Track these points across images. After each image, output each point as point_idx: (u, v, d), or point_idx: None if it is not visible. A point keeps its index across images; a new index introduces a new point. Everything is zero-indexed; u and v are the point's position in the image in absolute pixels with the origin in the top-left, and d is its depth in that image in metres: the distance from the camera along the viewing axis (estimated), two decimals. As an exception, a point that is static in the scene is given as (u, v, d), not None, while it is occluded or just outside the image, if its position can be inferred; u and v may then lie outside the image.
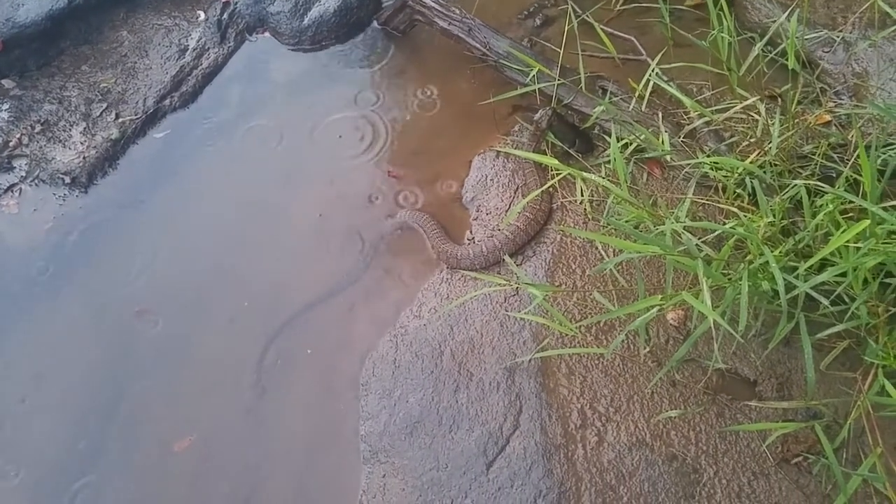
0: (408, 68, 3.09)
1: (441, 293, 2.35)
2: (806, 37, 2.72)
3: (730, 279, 1.76)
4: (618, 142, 2.42)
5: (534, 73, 2.48)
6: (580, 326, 2.13)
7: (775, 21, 2.86)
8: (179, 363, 2.32)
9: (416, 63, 3.10)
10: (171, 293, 2.45)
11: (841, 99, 2.74)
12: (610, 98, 2.58)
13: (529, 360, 2.08)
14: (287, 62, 3.24)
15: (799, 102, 2.33)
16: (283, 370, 2.29)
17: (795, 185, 1.89)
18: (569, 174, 2.02)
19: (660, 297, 1.58)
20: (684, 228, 1.77)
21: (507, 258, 2.28)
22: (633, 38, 2.89)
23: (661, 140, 2.41)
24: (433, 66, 3.06)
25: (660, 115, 2.55)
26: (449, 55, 3.01)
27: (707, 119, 2.28)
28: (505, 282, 2.08)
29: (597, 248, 2.33)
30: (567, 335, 2.09)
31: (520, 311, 2.20)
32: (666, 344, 2.10)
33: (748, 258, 1.93)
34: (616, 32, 2.90)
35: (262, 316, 2.41)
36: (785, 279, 1.68)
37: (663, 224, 1.97)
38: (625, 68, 2.84)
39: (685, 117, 2.61)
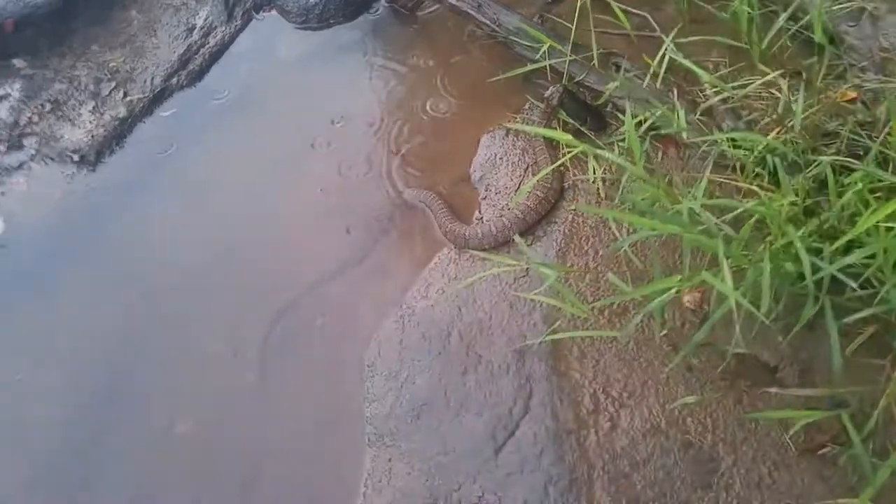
0: (416, 45, 3.01)
1: (449, 273, 2.29)
2: (832, 8, 2.60)
3: (750, 260, 1.68)
4: (632, 119, 2.35)
5: (544, 48, 2.39)
6: (593, 308, 2.05)
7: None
8: (183, 343, 2.28)
9: (425, 40, 3.02)
10: (177, 271, 2.41)
11: (867, 75, 2.63)
12: (623, 75, 2.49)
13: (540, 343, 2.02)
14: (294, 40, 3.18)
15: (823, 78, 2.23)
16: (288, 351, 2.24)
17: (821, 161, 1.80)
18: (581, 152, 1.93)
19: (677, 278, 1.50)
20: (702, 207, 1.68)
21: (516, 238, 2.21)
22: (646, 14, 2.78)
23: (676, 118, 2.33)
24: (442, 44, 2.98)
25: (675, 92, 2.46)
26: (458, 32, 2.94)
27: (725, 95, 2.18)
28: (515, 262, 2.01)
29: (609, 228, 2.25)
30: (579, 317, 2.02)
31: (530, 293, 2.13)
32: (682, 327, 2.02)
33: (769, 238, 1.85)
34: (628, 8, 2.79)
35: (267, 295, 2.36)
36: (810, 261, 1.60)
37: (680, 204, 1.90)
38: (638, 45, 2.74)
39: (701, 94, 2.51)
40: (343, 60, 3.02)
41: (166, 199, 2.61)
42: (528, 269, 2.20)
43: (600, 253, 2.21)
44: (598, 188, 2.34)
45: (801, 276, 1.70)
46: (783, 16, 2.16)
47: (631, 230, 2.09)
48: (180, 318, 2.32)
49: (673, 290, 1.54)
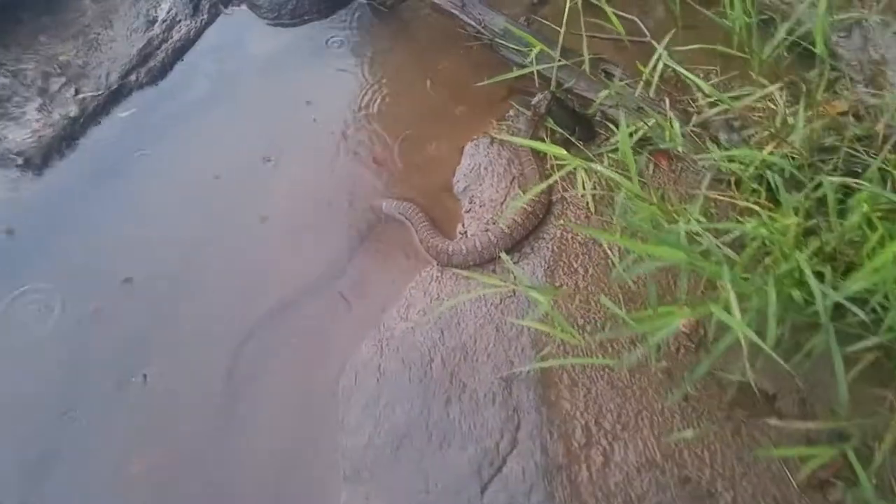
0: (395, 47, 2.86)
1: (430, 293, 2.15)
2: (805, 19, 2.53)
3: (755, 287, 1.58)
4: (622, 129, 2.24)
5: (535, 53, 2.26)
6: (584, 332, 1.94)
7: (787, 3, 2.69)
8: (136, 372, 2.09)
9: (404, 41, 2.87)
10: (127, 292, 2.22)
11: (857, 87, 2.57)
12: (614, 82, 2.37)
13: (528, 371, 1.89)
14: (265, 37, 3.00)
15: (822, 91, 2.14)
16: (255, 378, 2.07)
17: (830, 181, 1.70)
18: (559, 158, 1.81)
19: (684, 308, 1.39)
20: (703, 229, 1.58)
21: (503, 256, 2.08)
22: (635, 18, 2.68)
23: (670, 129, 2.23)
24: (422, 45, 2.83)
25: (667, 101, 2.36)
26: (440, 33, 2.79)
27: (725, 107, 2.08)
28: (502, 283, 1.88)
29: (600, 244, 2.14)
30: (570, 342, 1.90)
31: (518, 315, 2.00)
32: (677, 353, 1.92)
33: (768, 260, 1.76)
34: (617, 12, 2.68)
35: (233, 315, 2.19)
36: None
37: (676, 222, 1.79)
38: (627, 51, 2.64)
39: (693, 104, 2.42)
40: (317, 60, 2.85)
41: (121, 209, 2.41)
42: (514, 289, 2.08)
43: (590, 271, 2.10)
44: (587, 202, 2.22)
45: (806, 302, 1.62)
46: (784, 26, 2.06)
47: (625, 250, 1.97)
48: (131, 344, 2.13)
49: (677, 325, 1.42)
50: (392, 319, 2.12)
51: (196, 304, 2.20)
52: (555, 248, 2.16)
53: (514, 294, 2.07)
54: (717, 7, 2.37)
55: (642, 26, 2.59)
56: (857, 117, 2.33)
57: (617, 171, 1.80)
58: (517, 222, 2.17)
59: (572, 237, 2.17)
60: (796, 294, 1.56)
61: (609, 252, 2.09)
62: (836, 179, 1.71)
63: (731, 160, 2.09)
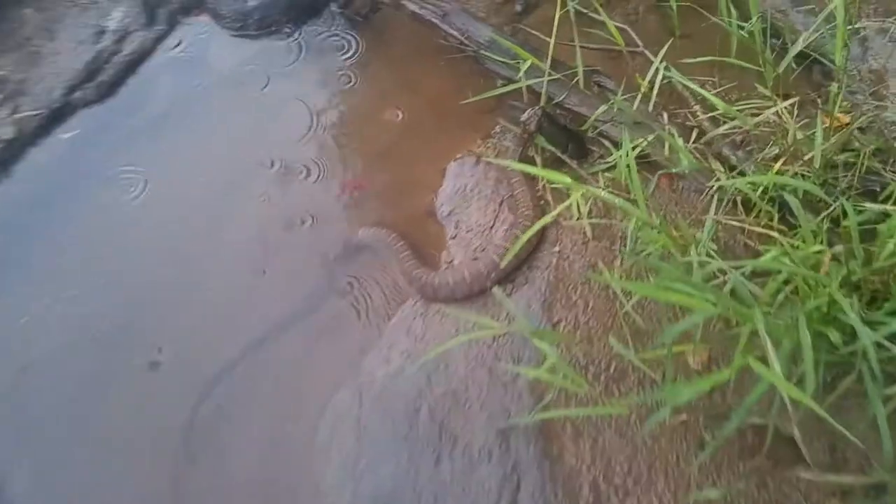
0: (371, 60, 2.65)
1: (415, 332, 1.93)
2: (824, 28, 2.40)
3: (783, 326, 1.40)
4: (624, 148, 2.06)
5: (526, 66, 2.07)
6: (587, 374, 1.74)
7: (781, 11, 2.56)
8: (84, 426, 1.83)
9: (382, 53, 2.66)
10: (74, 338, 1.95)
11: (856, 98, 2.44)
12: (608, 95, 2.20)
13: (528, 421, 1.68)
14: (228, 50, 2.76)
15: (831, 105, 2.00)
16: (219, 432, 1.83)
17: (872, 207, 1.54)
18: (564, 186, 1.62)
19: (723, 373, 1.19)
20: (728, 266, 1.39)
21: (495, 290, 1.87)
22: (626, 28, 2.52)
23: (674, 146, 2.06)
24: (401, 57, 2.63)
25: (665, 116, 2.19)
26: (420, 44, 2.58)
27: (735, 124, 1.92)
28: (496, 325, 1.67)
29: (600, 271, 1.95)
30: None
31: (513, 356, 1.80)
32: (690, 395, 1.72)
33: (788, 290, 1.59)
34: (607, 21, 2.52)
35: (192, 362, 1.94)
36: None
37: (687, 253, 1.61)
38: (616, 62, 2.48)
39: (692, 118, 2.26)
40: (285, 74, 2.62)
41: (62, 245, 2.14)
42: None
43: (591, 304, 1.90)
44: (584, 227, 2.03)
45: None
46: (801, 38, 1.91)
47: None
48: (80, 395, 1.86)
49: (704, 387, 1.22)
50: (372, 363, 1.89)
51: (145, 350, 1.94)
52: (551, 277, 1.96)
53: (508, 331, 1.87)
54: (713, 15, 2.22)
55: (634, 36, 2.43)
56: (861, 130, 2.20)
57: (618, 195, 1.60)
58: (509, 250, 1.97)
59: (569, 265, 1.98)
60: (834, 336, 1.38)
61: (612, 283, 1.90)
62: (877, 207, 1.54)
63: (735, 178, 1.93)
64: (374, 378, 1.86)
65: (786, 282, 1.61)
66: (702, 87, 2.38)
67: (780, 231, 1.84)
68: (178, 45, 2.80)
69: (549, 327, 1.86)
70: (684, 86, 2.10)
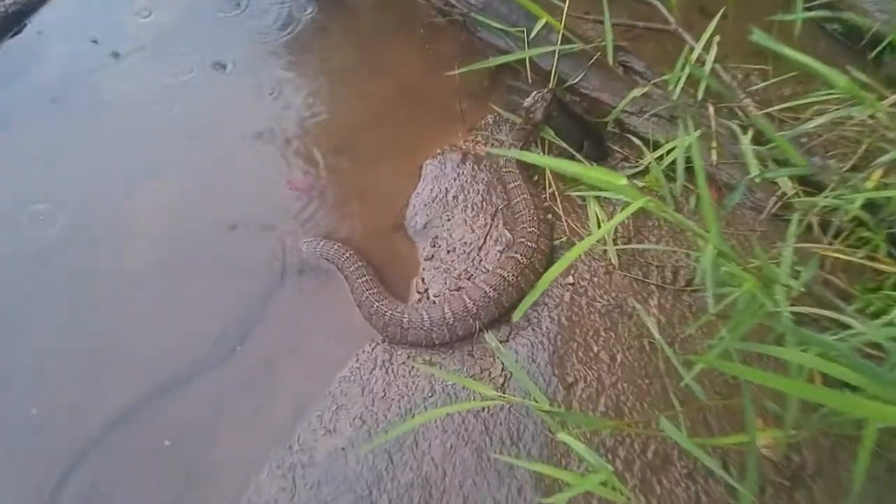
0: (330, 26, 2.10)
1: (373, 389, 1.38)
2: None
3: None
4: (655, 149, 1.57)
5: (537, 29, 1.56)
6: (619, 464, 1.21)
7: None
8: None
9: (344, 18, 2.12)
10: None
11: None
12: (636, 79, 1.71)
13: (535, 538, 1.15)
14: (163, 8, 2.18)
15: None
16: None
17: None
18: (613, 192, 1.11)
19: None
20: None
21: (488, 337, 1.34)
22: (656, 3, 2.03)
23: (716, 149, 1.58)
24: (367, 23, 2.10)
25: (710, 109, 1.71)
26: (392, 6, 2.05)
27: (822, 123, 1.43)
28: (489, 391, 1.13)
29: (629, 314, 1.43)
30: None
31: (511, 432, 1.27)
32: (762, 494, 1.22)
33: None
34: (631, -6, 2.04)
35: (58, 428, 1.35)
36: None
37: (773, 294, 1.11)
38: (637, 45, 1.99)
39: (742, 113, 1.77)
40: (213, 43, 2.05)
41: None
42: (504, 382, 1.34)
43: (619, 358, 1.38)
44: (609, 252, 1.51)
45: None
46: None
47: (675, 316, 1.26)
48: None
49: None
50: (310, 433, 1.33)
51: (15, 403, 1.35)
52: (563, 318, 1.43)
53: (504, 390, 1.33)
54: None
55: (665, 12, 1.93)
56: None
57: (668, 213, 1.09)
58: (506, 280, 1.44)
59: (588, 302, 1.45)
60: None
61: (649, 325, 1.38)
62: None
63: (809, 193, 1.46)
64: (312, 455, 1.30)
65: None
66: (746, 77, 1.94)
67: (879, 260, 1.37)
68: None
69: (561, 391, 1.33)
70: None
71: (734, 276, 1.03)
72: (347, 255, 1.55)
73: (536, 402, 1.15)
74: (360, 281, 1.51)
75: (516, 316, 0.89)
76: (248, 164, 1.77)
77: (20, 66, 1.99)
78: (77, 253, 1.59)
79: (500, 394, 1.19)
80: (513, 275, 1.45)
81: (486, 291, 1.43)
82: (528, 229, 1.53)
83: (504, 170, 1.67)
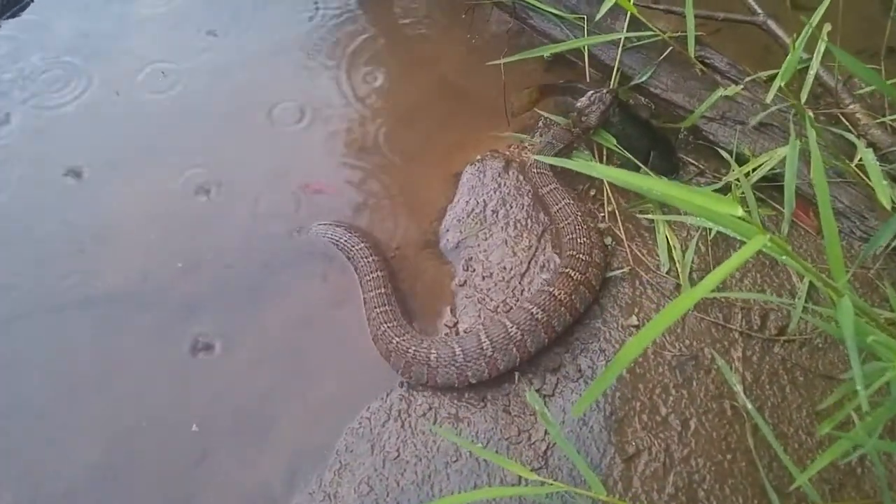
0: (358, 16, 1.85)
1: (384, 446, 1.14)
2: None
3: None
4: (740, 164, 1.30)
5: (604, 10, 1.30)
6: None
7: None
8: None
9: (374, 2, 1.88)
10: None
11: None
12: (716, 75, 1.42)
13: None
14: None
15: None
16: None
17: None
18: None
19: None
20: None
21: (529, 395, 1.08)
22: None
23: (813, 164, 1.28)
24: (401, 8, 1.85)
25: (809, 115, 1.40)
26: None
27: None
28: (528, 471, 0.87)
29: (707, 367, 1.15)
30: None
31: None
32: None
33: None
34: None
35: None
36: None
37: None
38: (717, 38, 1.69)
39: (847, 122, 1.46)
40: (239, 28, 1.84)
41: None
42: (546, 451, 1.08)
43: (693, 425, 1.10)
44: (681, 288, 1.23)
45: None
46: None
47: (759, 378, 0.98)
48: None
49: None
50: (306, 495, 1.09)
51: None
52: (624, 371, 1.15)
53: (545, 460, 1.07)
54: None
55: (751, 2, 1.62)
56: None
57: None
58: (556, 299, 1.19)
59: (655, 353, 1.18)
60: None
61: (733, 383, 1.10)
62: None
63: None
64: (305, 531, 1.06)
65: None
66: (849, 79, 1.62)
67: None
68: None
69: (619, 465, 1.06)
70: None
71: (879, 345, 0.75)
72: (360, 246, 1.35)
73: (586, 486, 0.89)
74: (372, 293, 1.27)
75: (576, 412, 0.63)
76: (263, 159, 1.55)
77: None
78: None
79: (541, 476, 0.93)
80: (564, 293, 1.19)
81: (532, 313, 1.17)
82: (580, 240, 1.27)
83: (535, 170, 1.40)
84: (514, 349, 1.16)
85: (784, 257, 0.79)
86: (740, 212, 0.63)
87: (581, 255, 1.25)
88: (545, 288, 1.22)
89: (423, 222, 1.43)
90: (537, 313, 1.18)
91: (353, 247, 1.37)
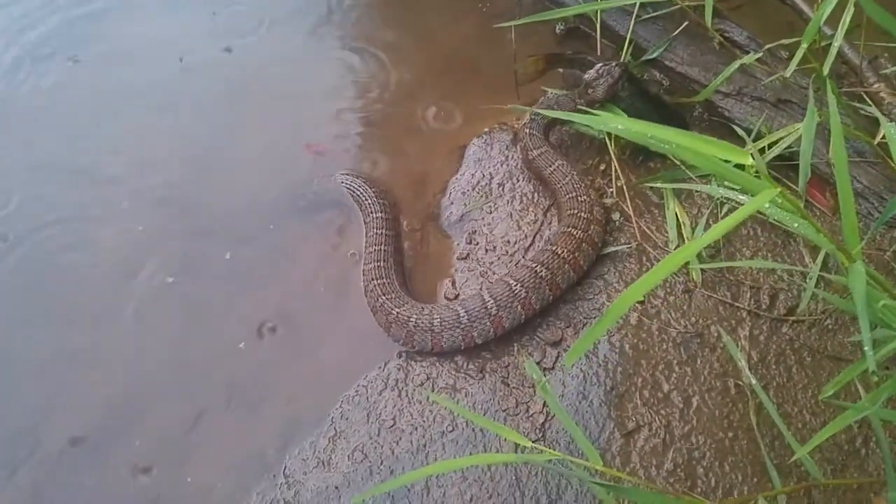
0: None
1: (380, 414, 1.12)
2: None
3: None
4: (756, 140, 1.27)
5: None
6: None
7: None
8: None
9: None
10: None
11: None
12: (735, 49, 1.38)
13: None
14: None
15: None
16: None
17: None
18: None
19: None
20: None
21: (528, 365, 1.06)
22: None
23: (833, 143, 1.23)
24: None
25: (828, 90, 1.36)
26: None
27: None
28: (524, 440, 0.85)
29: (713, 344, 1.12)
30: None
31: (548, 488, 0.98)
32: None
33: None
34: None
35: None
36: None
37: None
38: (737, 14, 1.64)
39: (871, 102, 1.41)
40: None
41: None
42: (544, 424, 1.06)
43: (695, 402, 1.07)
44: (691, 269, 1.20)
45: None
46: None
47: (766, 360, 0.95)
48: None
49: None
50: (299, 462, 1.08)
51: None
52: (626, 346, 1.13)
53: (544, 432, 1.05)
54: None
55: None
56: None
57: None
58: (559, 256, 1.18)
59: (659, 328, 1.15)
60: None
61: (738, 361, 1.07)
62: None
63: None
64: (298, 492, 1.05)
65: None
66: (875, 58, 1.57)
67: None
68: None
69: (618, 440, 1.03)
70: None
71: (889, 312, 0.72)
72: (374, 194, 1.37)
73: (584, 458, 0.87)
74: (375, 283, 1.25)
75: (568, 361, 0.62)
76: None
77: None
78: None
79: (538, 445, 0.91)
80: (567, 250, 1.18)
81: (535, 271, 1.15)
82: (580, 198, 1.25)
83: (527, 130, 1.37)
84: (519, 306, 1.15)
85: (795, 218, 0.76)
86: (750, 160, 0.60)
87: (582, 213, 1.23)
88: (547, 247, 1.20)
89: (426, 195, 1.41)
90: (541, 271, 1.16)
91: (356, 185, 1.38)
